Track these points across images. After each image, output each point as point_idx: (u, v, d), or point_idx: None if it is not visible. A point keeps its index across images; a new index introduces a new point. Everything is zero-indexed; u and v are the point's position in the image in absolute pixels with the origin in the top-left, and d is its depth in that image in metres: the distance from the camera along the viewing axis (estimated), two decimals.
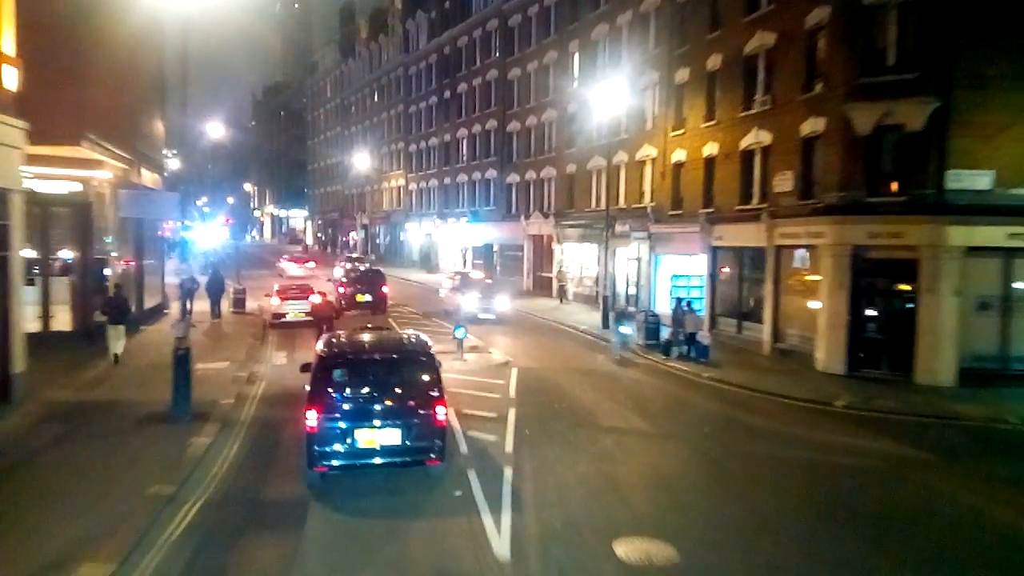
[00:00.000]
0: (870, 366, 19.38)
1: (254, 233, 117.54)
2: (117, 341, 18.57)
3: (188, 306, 28.16)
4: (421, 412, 10.25)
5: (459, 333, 19.19)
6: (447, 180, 52.16)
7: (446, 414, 10.55)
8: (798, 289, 21.61)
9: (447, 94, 51.52)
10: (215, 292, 27.90)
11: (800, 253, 21.57)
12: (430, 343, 11.73)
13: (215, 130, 40.30)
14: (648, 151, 30.01)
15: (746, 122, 23.81)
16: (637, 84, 29.78)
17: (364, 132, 68.67)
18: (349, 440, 10.02)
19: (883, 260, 19.35)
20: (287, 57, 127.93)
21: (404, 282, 46.90)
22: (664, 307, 28.53)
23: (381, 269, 36.02)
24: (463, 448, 12.24)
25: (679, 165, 27.97)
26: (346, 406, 10.20)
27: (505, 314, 29.10)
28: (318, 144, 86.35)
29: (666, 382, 18.86)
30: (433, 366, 10.84)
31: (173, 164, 63.70)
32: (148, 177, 25.31)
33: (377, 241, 67.62)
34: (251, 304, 29.65)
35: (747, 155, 23.96)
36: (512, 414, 14.53)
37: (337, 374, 10.58)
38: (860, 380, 18.89)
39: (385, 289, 31.00)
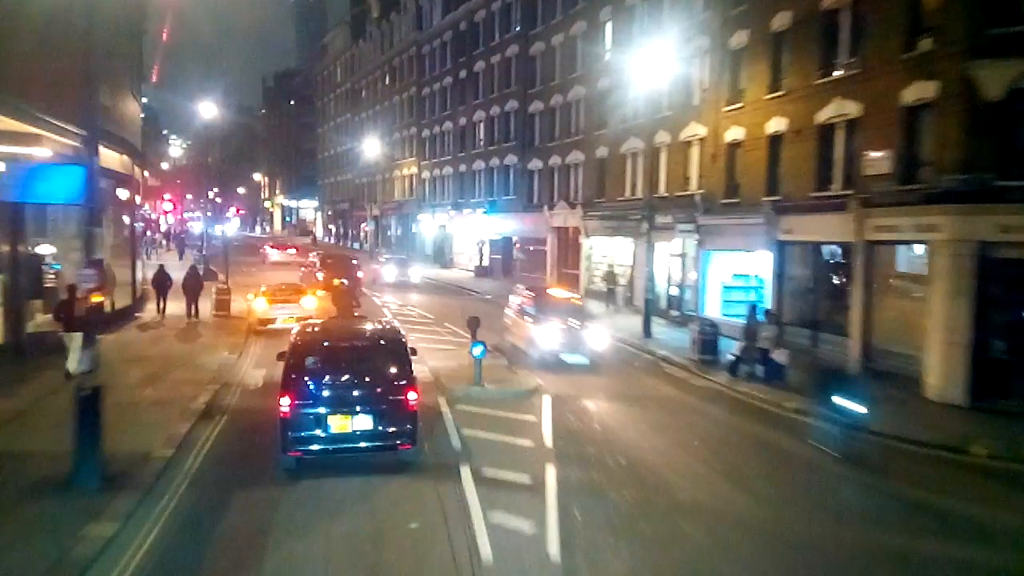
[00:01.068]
0: (999, 395, 15.23)
1: (264, 225, 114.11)
2: (72, 354, 15.12)
3: (161, 304, 24.73)
4: (393, 398, 10.45)
5: (476, 351, 15.23)
6: (463, 168, 48.19)
7: (417, 399, 10.67)
8: (898, 295, 17.52)
9: (463, 74, 47.50)
10: (191, 289, 24.32)
11: (903, 251, 17.45)
12: (402, 331, 12.04)
13: (208, 110, 36.56)
14: (695, 130, 25.89)
15: (824, 91, 19.67)
16: (682, 53, 25.61)
17: (375, 118, 64.80)
18: (322, 426, 10.19)
19: (1018, 261, 15.19)
20: (301, 42, 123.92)
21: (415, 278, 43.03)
22: (714, 312, 24.51)
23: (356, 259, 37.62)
24: (485, 550, 8.25)
25: (735, 145, 23.85)
26: (319, 392, 10.35)
27: (601, 354, 19.49)
28: (328, 131, 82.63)
29: (743, 417, 14.82)
30: (405, 353, 11.03)
31: (175, 152, 60.38)
32: (114, 159, 21.50)
33: (388, 233, 63.82)
34: (246, 305, 25.83)
35: (826, 131, 19.83)
36: (551, 476, 10.58)
37: (310, 361, 10.71)
38: (988, 414, 14.78)
39: (360, 274, 33.83)
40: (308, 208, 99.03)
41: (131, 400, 13.63)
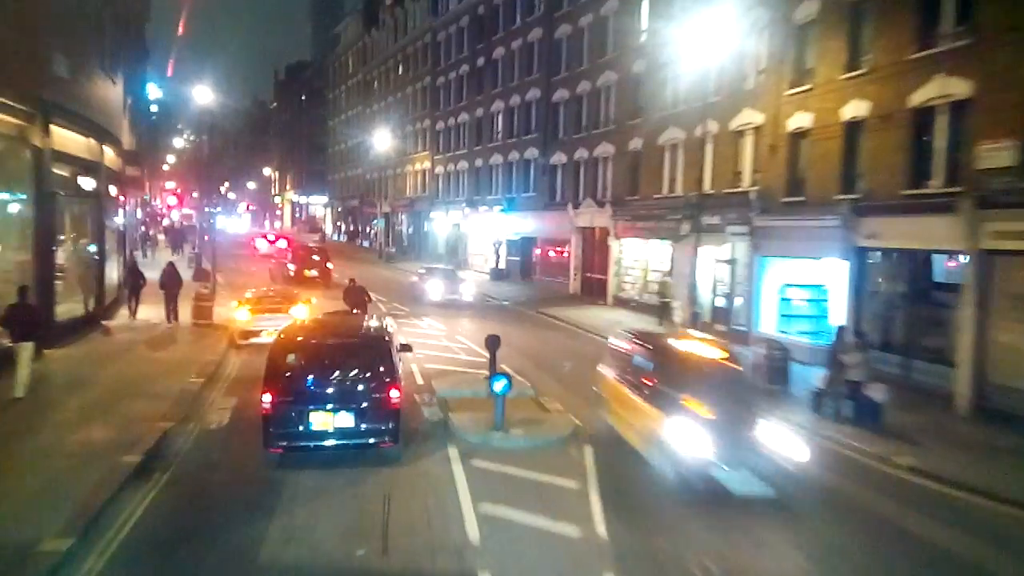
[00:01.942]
0: None
1: (275, 221, 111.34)
2: (22, 370, 12.78)
3: (133, 305, 21.92)
4: (375, 396, 10.38)
5: (498, 387, 11.86)
6: (479, 162, 44.90)
7: (400, 397, 10.52)
8: None
9: (480, 61, 44.21)
10: (169, 290, 21.58)
11: None
12: (389, 328, 12.24)
13: (203, 95, 33.42)
14: (749, 117, 22.48)
15: (922, 68, 16.25)
16: (734, 29, 22.20)
17: (387, 109, 61.63)
18: (304, 422, 10.17)
19: None
20: (317, 35, 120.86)
21: None
22: (769, 327, 21.15)
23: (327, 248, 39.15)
24: None
25: (800, 134, 20.45)
26: (300, 389, 10.30)
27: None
28: (339, 125, 79.56)
29: (842, 476, 11.41)
30: (388, 351, 10.91)
31: (178, 144, 57.61)
32: (76, 142, 18.37)
33: (399, 228, 60.63)
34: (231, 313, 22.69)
35: (923, 115, 16.41)
36: None
37: (291, 357, 10.66)
38: None
39: (329, 265, 34.70)
40: (318, 204, 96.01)
41: (51, 446, 10.48)
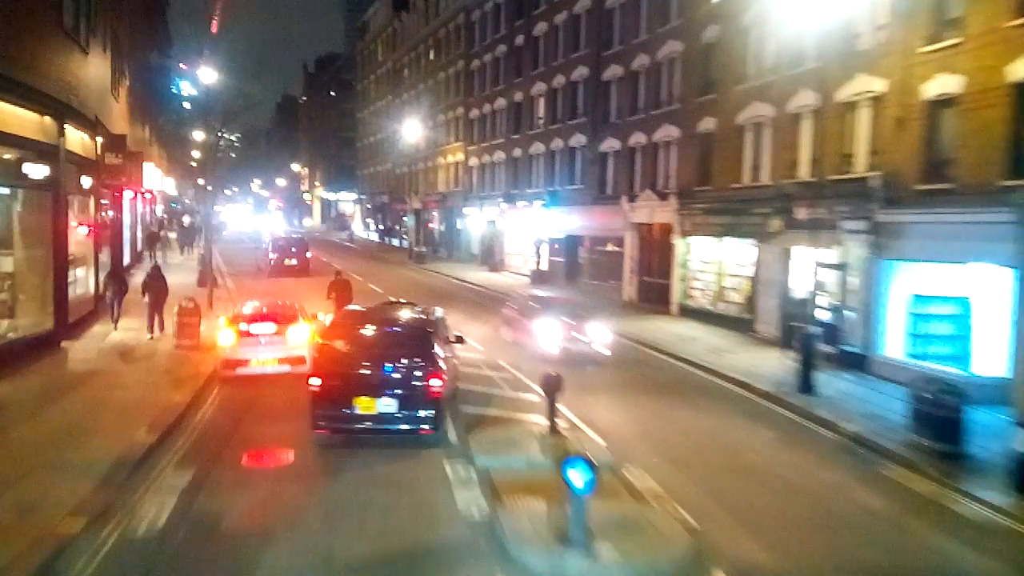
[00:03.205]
0: None
1: (304, 218, 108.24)
2: None
3: (114, 313, 18.78)
4: (417, 383, 10.64)
5: (578, 479, 7.51)
6: (517, 152, 40.60)
7: (441, 386, 10.75)
8: None
9: (519, 40, 39.87)
10: (153, 297, 18.61)
11: None
12: (434, 317, 12.48)
13: (208, 76, 29.66)
14: (865, 85, 17.89)
15: None
16: None
17: (418, 98, 57.61)
18: (348, 406, 10.50)
19: None
20: (349, 27, 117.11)
21: (458, 284, 35.62)
22: (895, 350, 16.61)
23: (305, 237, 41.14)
24: None
25: (942, 102, 15.85)
26: (347, 374, 10.69)
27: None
28: (367, 117, 75.91)
29: None
30: (432, 340, 11.27)
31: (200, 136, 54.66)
32: (24, 121, 14.48)
33: (431, 226, 56.60)
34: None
35: None
36: None
37: (340, 344, 11.21)
38: None
39: (308, 254, 36.75)
40: (348, 201, 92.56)
41: None
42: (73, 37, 17.40)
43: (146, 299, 18.94)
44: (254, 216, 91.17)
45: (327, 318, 15.43)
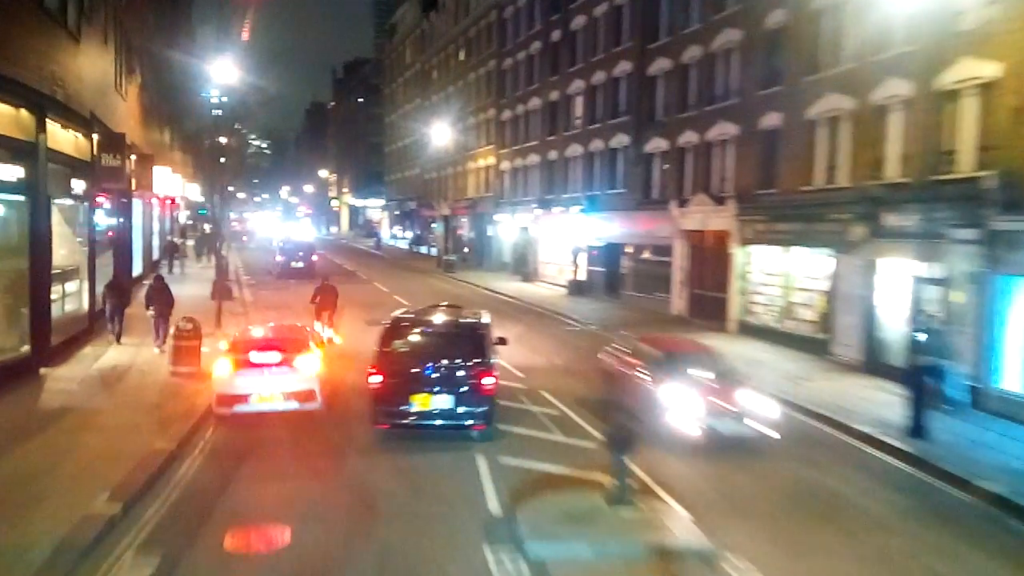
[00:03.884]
0: None
1: (331, 225, 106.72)
2: None
3: (115, 327, 17.55)
4: (471, 382, 11.23)
5: None
6: (552, 155, 38.17)
7: (494, 384, 11.40)
8: None
9: (555, 35, 37.49)
10: (158, 308, 17.29)
11: None
12: (484, 320, 12.76)
13: (230, 75, 27.62)
14: (972, 70, 15.22)
15: None
16: None
17: (447, 101, 55.51)
18: (406, 403, 11.12)
19: None
20: (379, 33, 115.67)
21: (489, 295, 33.21)
22: (1013, 382, 13.93)
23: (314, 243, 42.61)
24: None
25: None
26: (405, 372, 11.25)
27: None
28: (395, 121, 74.07)
29: None
30: (484, 342, 11.76)
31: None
32: None
33: (460, 233, 54.36)
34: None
35: None
36: None
37: (398, 343, 11.75)
38: None
39: (314, 258, 38.21)
40: (375, 207, 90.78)
41: None
42: (59, 21, 15.32)
43: (150, 311, 17.45)
44: (283, 223, 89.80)
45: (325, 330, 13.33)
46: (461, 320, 12.84)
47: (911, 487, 10.75)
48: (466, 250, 51.39)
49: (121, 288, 18.40)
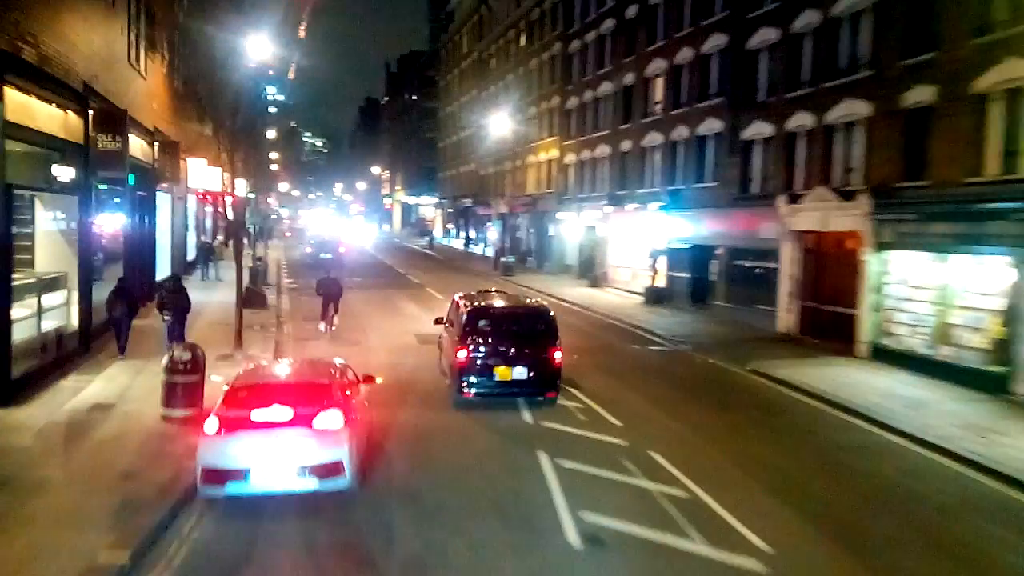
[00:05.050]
0: None
1: (384, 223, 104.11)
2: None
3: (121, 338, 15.20)
4: (543, 356, 13.09)
5: None
6: (626, 145, 34.04)
7: (561, 358, 13.32)
8: None
9: (632, 10, 33.34)
10: (175, 315, 15.11)
11: None
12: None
13: (261, 48, 24.29)
14: None
15: None
16: None
17: (506, 90, 51.78)
18: (489, 374, 12.89)
19: None
20: (433, 18, 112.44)
21: (553, 303, 29.23)
22: None
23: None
24: None
25: None
26: (487, 348, 12.97)
27: None
28: (450, 114, 70.73)
29: None
30: (553, 322, 13.65)
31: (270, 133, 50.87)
32: None
33: (518, 235, 50.61)
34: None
35: None
36: None
37: (481, 323, 13.29)
38: None
39: (341, 250, 41.93)
40: (428, 205, 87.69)
41: None
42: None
43: (166, 317, 15.11)
44: (336, 221, 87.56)
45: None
46: (533, 304, 14.82)
47: None
48: (515, 257, 47.60)
49: (130, 294, 15.33)
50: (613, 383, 15.70)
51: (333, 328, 20.36)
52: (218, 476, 8.27)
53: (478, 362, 12.81)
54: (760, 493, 9.63)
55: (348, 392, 9.64)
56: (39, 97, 12.49)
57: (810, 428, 13.08)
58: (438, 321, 15.72)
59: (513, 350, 12.93)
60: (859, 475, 10.64)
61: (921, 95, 17.57)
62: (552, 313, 13.86)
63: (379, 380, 10.91)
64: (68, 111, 13.90)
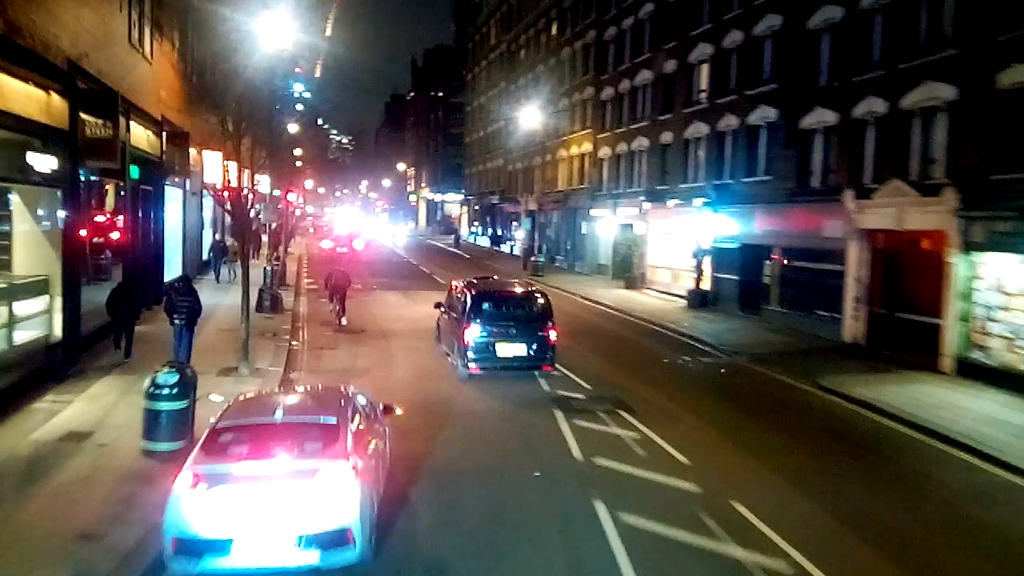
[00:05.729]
0: None
1: (409, 221, 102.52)
2: None
3: (122, 342, 14.19)
4: (540, 334, 14.61)
5: None
6: (667, 137, 31.88)
7: (556, 335, 14.79)
8: None
9: None
10: (187, 318, 13.85)
11: None
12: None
13: (282, 33, 22.56)
14: None
15: None
16: None
17: (535, 82, 49.74)
18: (491, 350, 14.28)
19: None
20: (459, 12, 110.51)
21: (588, 306, 27.19)
22: None
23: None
24: None
25: None
26: (490, 327, 14.38)
27: None
28: (477, 109, 68.83)
29: None
30: (548, 303, 15.25)
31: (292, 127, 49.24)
32: None
33: (548, 232, 48.58)
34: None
35: None
36: None
37: (484, 305, 14.74)
38: None
39: (356, 245, 47.45)
40: (454, 203, 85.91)
41: None
42: None
43: (175, 322, 13.92)
44: (361, 218, 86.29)
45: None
46: (528, 287, 16.45)
47: None
48: (545, 256, 45.61)
49: (130, 296, 13.82)
50: (667, 404, 13.70)
51: (343, 324, 20.51)
52: (192, 547, 6.39)
53: (482, 341, 14.18)
54: (887, 567, 7.58)
55: (362, 428, 7.75)
56: (11, 74, 10.75)
57: (913, 466, 10.98)
58: (438, 305, 17.50)
59: (514, 328, 14.48)
60: (986, 530, 8.55)
61: (1019, 76, 15.30)
62: (547, 296, 15.56)
63: (399, 411, 9.00)
64: (50, 92, 12.17)
